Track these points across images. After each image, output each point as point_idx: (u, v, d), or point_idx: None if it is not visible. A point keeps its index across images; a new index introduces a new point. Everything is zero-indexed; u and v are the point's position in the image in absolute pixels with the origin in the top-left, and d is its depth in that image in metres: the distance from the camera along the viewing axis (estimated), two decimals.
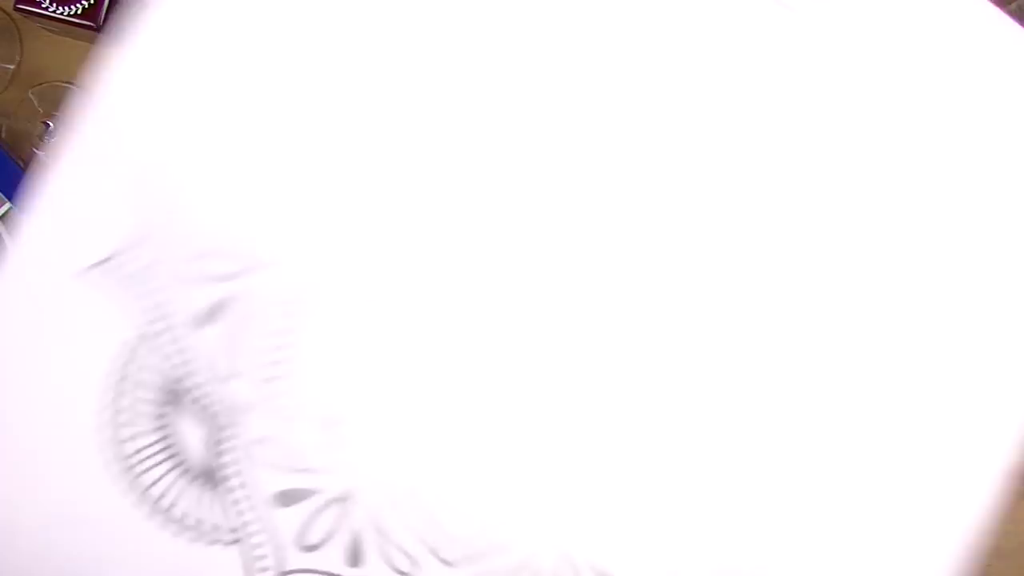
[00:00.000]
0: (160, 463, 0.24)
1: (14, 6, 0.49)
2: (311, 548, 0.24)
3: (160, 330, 0.25)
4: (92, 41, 0.53)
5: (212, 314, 0.25)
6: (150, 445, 0.24)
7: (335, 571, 0.24)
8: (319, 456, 0.24)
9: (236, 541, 0.24)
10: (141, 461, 0.24)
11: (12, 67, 0.54)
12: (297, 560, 0.24)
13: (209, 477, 0.24)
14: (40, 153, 0.54)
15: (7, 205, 0.49)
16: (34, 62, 0.54)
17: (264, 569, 0.24)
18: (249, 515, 0.24)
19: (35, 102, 0.54)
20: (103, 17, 0.49)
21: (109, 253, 0.26)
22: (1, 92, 0.54)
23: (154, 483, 0.24)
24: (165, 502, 0.24)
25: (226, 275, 0.25)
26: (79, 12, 0.49)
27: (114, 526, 0.24)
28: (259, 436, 0.24)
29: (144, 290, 0.25)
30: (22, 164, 0.50)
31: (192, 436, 0.24)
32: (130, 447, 0.24)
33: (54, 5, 0.49)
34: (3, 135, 0.53)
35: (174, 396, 0.24)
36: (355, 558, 0.24)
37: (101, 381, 0.24)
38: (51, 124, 0.53)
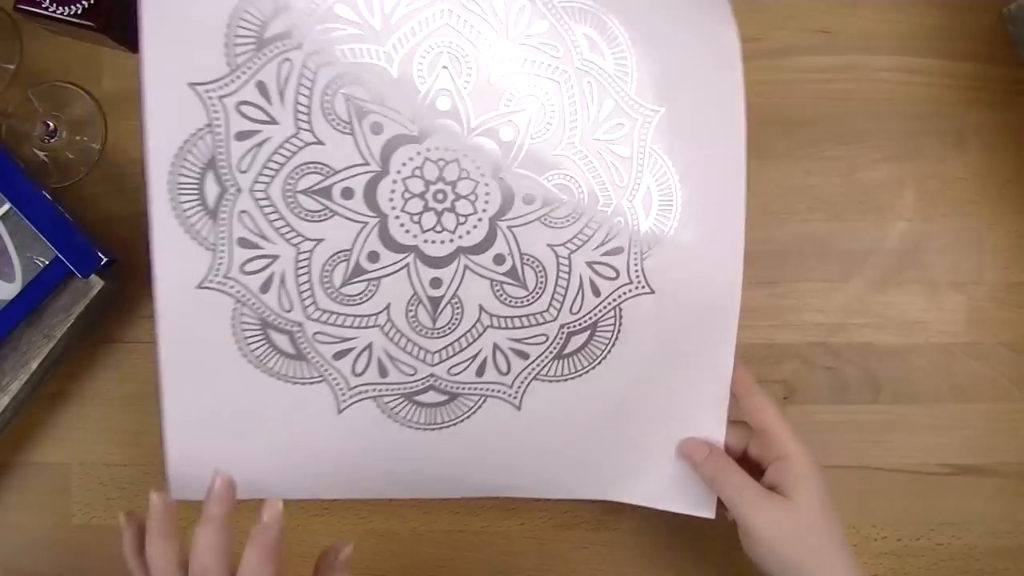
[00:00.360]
0: (271, 356, 0.43)
1: (14, 6, 0.49)
2: (359, 375, 0.44)
3: None
4: (92, 41, 0.53)
5: None
6: (263, 348, 0.43)
7: (374, 381, 0.44)
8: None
9: (322, 380, 0.44)
10: (262, 356, 0.43)
11: (12, 67, 0.54)
12: (353, 381, 0.44)
13: (299, 356, 0.43)
14: (40, 153, 0.54)
15: (7, 205, 0.49)
16: (34, 62, 0.54)
17: (341, 391, 0.44)
18: (325, 368, 0.43)
19: (35, 102, 0.54)
20: (103, 17, 0.49)
21: None
22: (1, 92, 0.54)
23: (272, 361, 0.43)
24: (278, 369, 0.43)
25: None
26: (79, 12, 0.49)
27: (248, 386, 0.43)
28: (316, 332, 0.43)
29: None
30: (22, 164, 0.50)
31: (282, 342, 0.43)
32: (252, 346, 0.43)
33: (54, 5, 0.49)
34: (3, 135, 0.53)
35: (265, 324, 0.42)
36: (384, 373, 0.44)
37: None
38: (51, 124, 0.53)
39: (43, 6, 0.49)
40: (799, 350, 0.54)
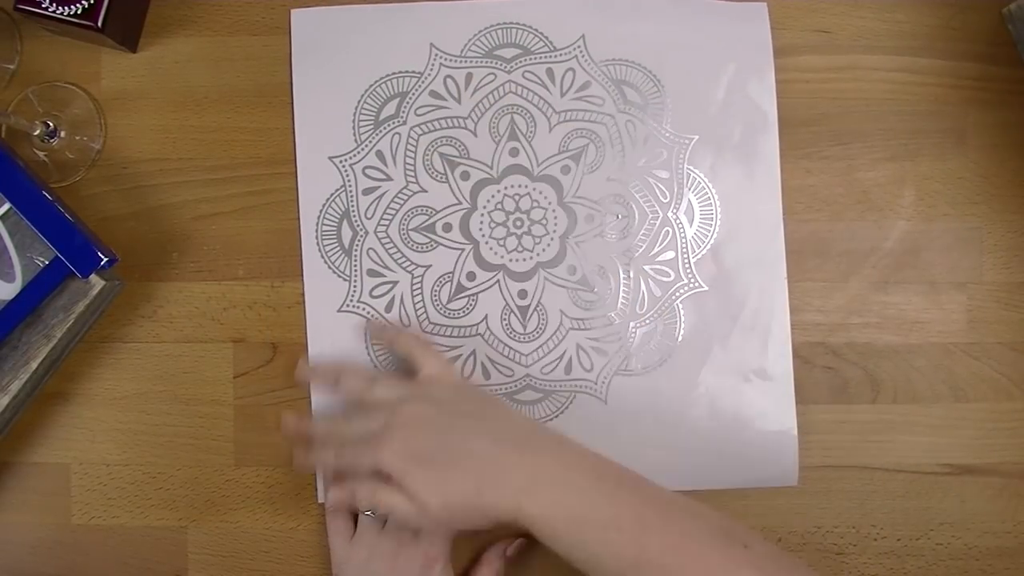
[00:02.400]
0: (395, 365, 0.54)
1: (14, 6, 0.49)
2: (468, 378, 0.54)
3: None
4: (92, 41, 0.53)
5: None
6: (389, 358, 0.52)
7: (480, 383, 0.54)
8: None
9: None
10: (388, 365, 0.54)
11: (12, 67, 0.54)
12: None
13: None
14: (40, 153, 0.54)
15: (7, 205, 0.49)
16: (34, 62, 0.54)
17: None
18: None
19: (35, 102, 0.54)
20: (103, 17, 0.49)
21: None
22: (1, 92, 0.54)
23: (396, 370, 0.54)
24: None
25: None
26: (79, 12, 0.49)
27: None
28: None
29: None
30: (22, 164, 0.50)
31: None
32: (380, 357, 0.54)
33: (54, 5, 0.49)
34: (3, 135, 0.53)
35: None
36: (487, 375, 0.54)
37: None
38: (51, 124, 0.53)
39: (43, 6, 0.49)
40: (799, 350, 0.54)
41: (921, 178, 0.54)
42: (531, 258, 0.54)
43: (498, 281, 0.53)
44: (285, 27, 0.54)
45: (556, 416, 0.53)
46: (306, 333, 0.53)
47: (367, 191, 0.54)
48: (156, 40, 0.54)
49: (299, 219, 0.53)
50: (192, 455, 0.53)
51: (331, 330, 0.53)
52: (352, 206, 0.54)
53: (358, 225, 0.54)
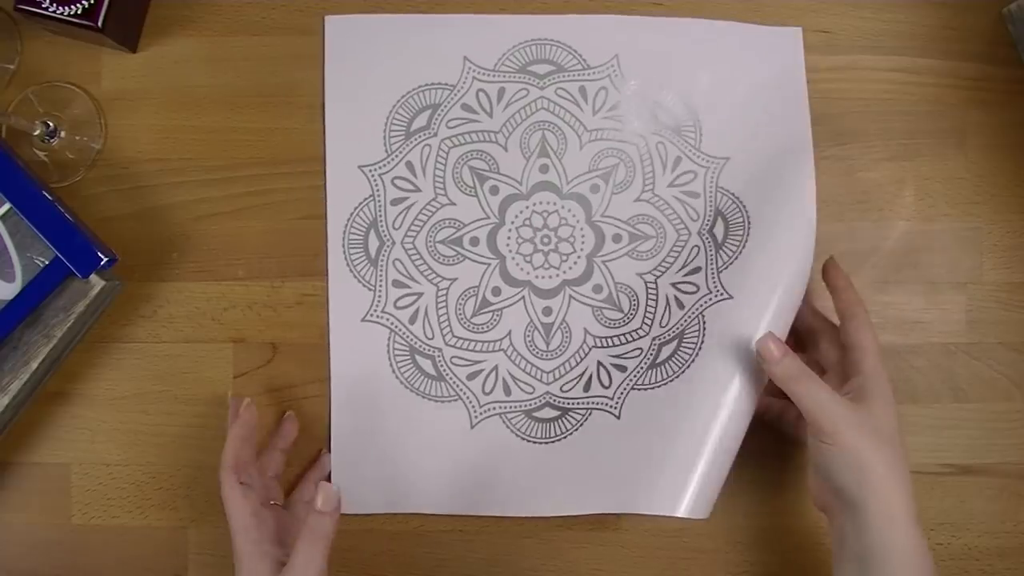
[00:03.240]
0: (417, 377, 0.53)
1: (14, 6, 0.49)
2: (488, 393, 0.53)
3: None
4: (92, 41, 0.53)
5: None
6: (410, 370, 0.53)
7: (500, 399, 0.53)
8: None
9: (457, 399, 0.53)
10: (410, 377, 0.53)
11: (12, 67, 0.54)
12: (483, 400, 0.53)
13: (439, 378, 0.53)
14: (40, 153, 0.54)
15: (7, 205, 0.49)
16: (34, 62, 0.54)
17: (473, 408, 0.53)
18: (460, 388, 0.53)
19: (35, 102, 0.54)
20: (103, 17, 0.49)
21: None
22: (1, 92, 0.54)
23: (417, 381, 0.53)
24: (423, 389, 0.53)
25: None
26: (79, 12, 0.49)
27: (399, 403, 0.53)
28: (453, 356, 0.54)
29: None
30: (22, 164, 0.50)
31: (426, 365, 0.53)
32: (402, 368, 0.53)
33: (54, 5, 0.49)
34: (3, 135, 0.53)
35: (413, 350, 0.53)
36: (508, 391, 0.53)
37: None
38: (51, 124, 0.53)
39: (43, 6, 0.49)
40: None
41: (921, 178, 0.54)
42: (557, 275, 0.53)
43: (523, 297, 0.53)
44: (285, 27, 0.54)
45: (570, 434, 0.53)
46: (328, 341, 0.53)
47: (395, 201, 0.53)
48: (156, 40, 0.54)
49: (326, 227, 0.53)
50: (192, 455, 0.53)
51: (354, 339, 0.53)
52: (380, 216, 0.53)
53: (385, 235, 0.53)
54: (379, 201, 0.53)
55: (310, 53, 0.54)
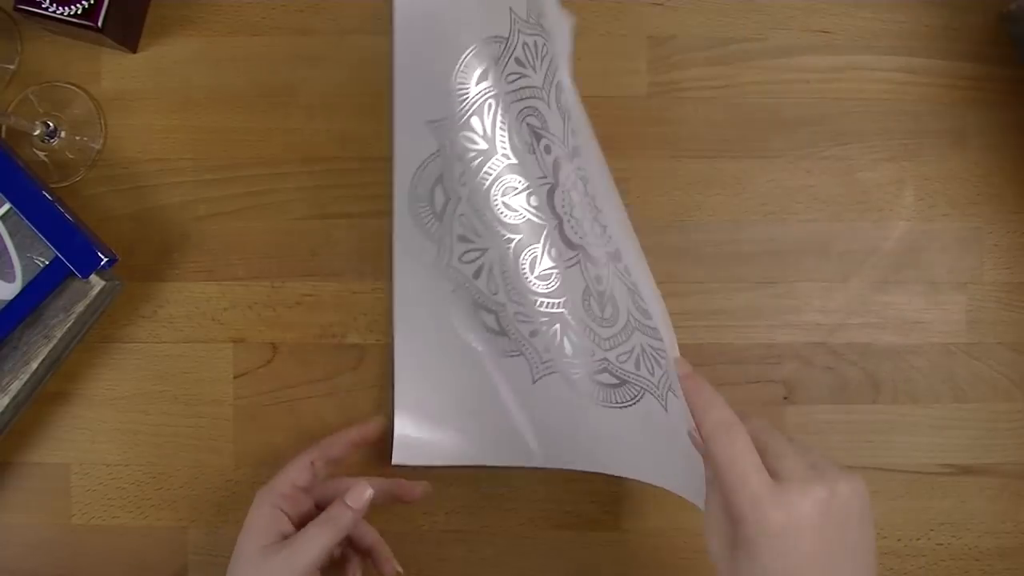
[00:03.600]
0: (481, 331, 0.54)
1: (14, 6, 0.49)
2: (549, 351, 0.52)
3: None
4: (92, 41, 0.53)
5: None
6: (475, 324, 0.54)
7: (561, 357, 0.52)
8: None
9: (520, 354, 0.53)
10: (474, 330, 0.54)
11: (12, 67, 0.54)
12: (545, 356, 0.52)
13: (502, 333, 0.53)
14: (40, 153, 0.54)
15: (7, 205, 0.49)
16: (34, 62, 0.54)
17: (535, 364, 0.53)
18: (523, 343, 0.53)
19: (35, 102, 0.54)
20: (103, 17, 0.49)
21: None
22: (1, 92, 0.54)
23: (482, 335, 0.54)
24: (487, 343, 0.54)
25: None
26: (79, 12, 0.49)
27: (463, 357, 0.54)
28: (515, 312, 0.52)
29: None
30: (22, 164, 0.50)
31: (489, 320, 0.54)
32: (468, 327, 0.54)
33: (54, 5, 0.49)
34: (3, 135, 0.53)
35: (476, 304, 0.54)
36: (567, 351, 0.51)
37: None
38: (51, 124, 0.53)
39: (43, 6, 0.49)
40: (799, 350, 0.54)
41: (921, 178, 0.54)
42: (600, 247, 0.51)
43: (579, 262, 0.51)
44: (285, 27, 0.54)
45: (629, 405, 0.51)
46: (392, 291, 0.54)
47: (462, 157, 0.51)
48: (156, 40, 0.54)
49: (392, 180, 0.53)
50: (192, 455, 0.53)
51: (419, 291, 0.54)
52: (447, 171, 0.52)
53: (451, 190, 0.53)
54: (447, 156, 0.52)
55: (310, 53, 0.54)
